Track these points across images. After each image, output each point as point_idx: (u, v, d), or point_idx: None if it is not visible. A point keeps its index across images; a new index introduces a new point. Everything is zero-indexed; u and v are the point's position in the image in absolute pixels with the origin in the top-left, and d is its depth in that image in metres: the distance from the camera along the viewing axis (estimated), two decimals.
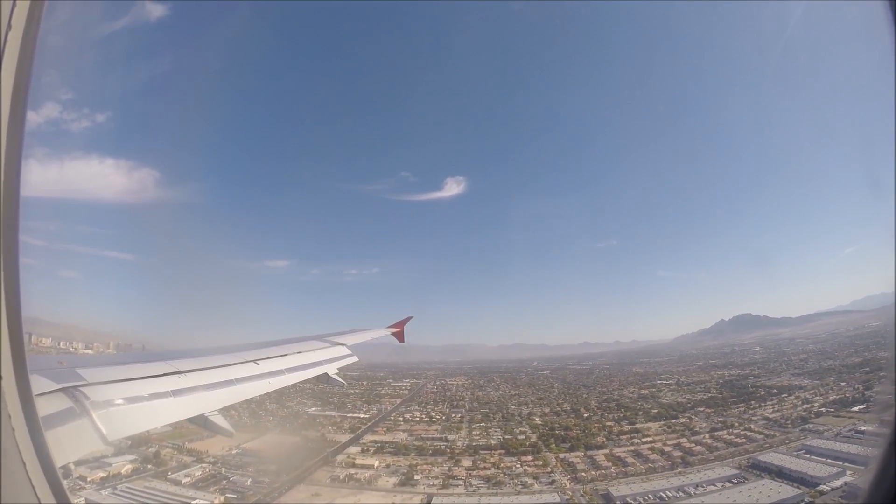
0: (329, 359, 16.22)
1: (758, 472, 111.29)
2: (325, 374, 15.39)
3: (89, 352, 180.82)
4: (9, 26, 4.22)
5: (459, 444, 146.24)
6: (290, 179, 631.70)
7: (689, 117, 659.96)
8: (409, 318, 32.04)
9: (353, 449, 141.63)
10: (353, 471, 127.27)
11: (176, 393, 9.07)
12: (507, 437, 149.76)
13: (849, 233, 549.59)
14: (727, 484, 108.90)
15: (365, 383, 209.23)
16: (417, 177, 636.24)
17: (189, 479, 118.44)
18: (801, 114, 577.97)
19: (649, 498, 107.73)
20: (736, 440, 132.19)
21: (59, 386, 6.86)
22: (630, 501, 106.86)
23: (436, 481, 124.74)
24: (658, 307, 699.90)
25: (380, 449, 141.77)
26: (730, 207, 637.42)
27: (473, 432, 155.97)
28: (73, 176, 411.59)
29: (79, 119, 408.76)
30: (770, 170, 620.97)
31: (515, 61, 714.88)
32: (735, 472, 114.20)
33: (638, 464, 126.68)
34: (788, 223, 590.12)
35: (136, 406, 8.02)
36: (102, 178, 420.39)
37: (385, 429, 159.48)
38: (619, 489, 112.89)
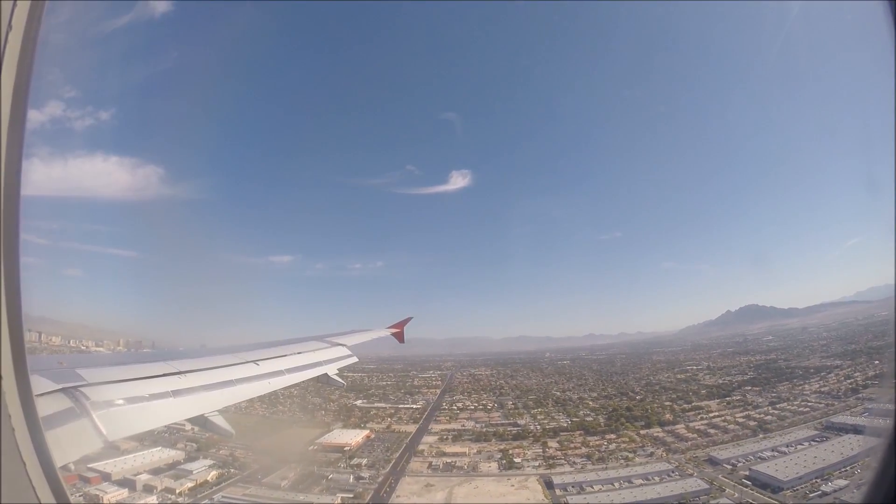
0: (329, 359, 15.73)
1: (835, 432, 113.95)
2: (325, 374, 14.91)
3: (101, 349, 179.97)
4: (9, 26, 4.10)
5: (532, 428, 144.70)
6: (294, 175, 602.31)
7: (693, 112, 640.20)
8: (409, 319, 31.13)
9: (429, 438, 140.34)
10: (447, 459, 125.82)
11: (176, 393, 8.89)
12: (574, 419, 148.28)
13: (852, 224, 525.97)
14: (812, 443, 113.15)
15: (391, 375, 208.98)
16: (423, 170, 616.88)
17: (286, 481, 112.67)
18: (801, 111, 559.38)
19: (750, 459, 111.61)
20: (800, 409, 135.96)
21: (59, 386, 6.76)
22: (735, 462, 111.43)
23: (537, 462, 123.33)
24: (662, 299, 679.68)
25: (457, 437, 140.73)
26: (733, 200, 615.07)
27: (537, 417, 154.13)
28: (77, 174, 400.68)
29: (82, 117, 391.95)
30: (772, 164, 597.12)
31: (521, 55, 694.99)
32: (815, 432, 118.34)
33: (720, 433, 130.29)
34: (791, 215, 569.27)
35: (137, 406, 7.86)
36: (106, 175, 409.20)
37: (447, 417, 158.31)
38: (719, 453, 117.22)
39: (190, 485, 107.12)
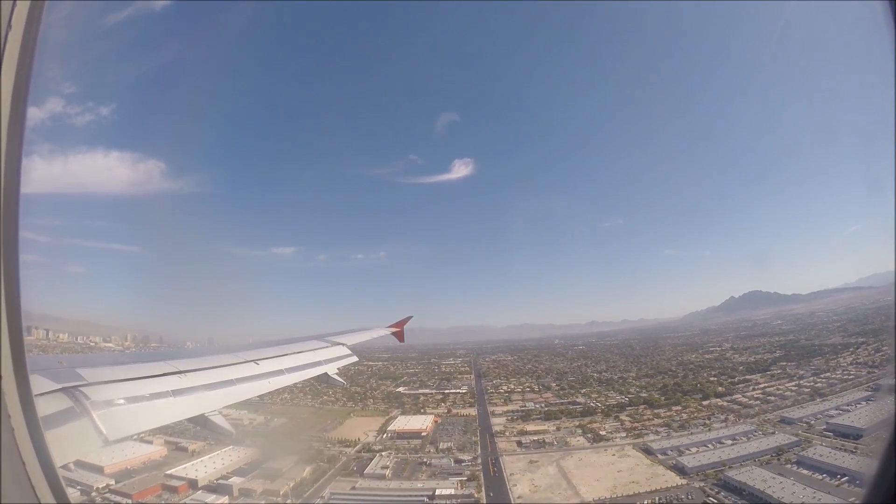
0: (329, 359, 15.12)
1: (888, 392, 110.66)
2: (325, 374, 14.33)
3: (109, 345, 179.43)
4: (9, 26, 3.94)
5: (593, 405, 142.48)
6: (296, 166, 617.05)
7: (695, 104, 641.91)
8: (408, 318, 30.12)
9: (497, 420, 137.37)
10: (534, 437, 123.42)
11: (176, 393, 8.55)
12: (629, 396, 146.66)
13: (852, 212, 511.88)
14: (869, 402, 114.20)
15: (413, 363, 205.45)
16: (426, 159, 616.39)
17: (387, 470, 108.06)
18: (802, 106, 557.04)
19: (819, 417, 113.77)
20: (844, 377, 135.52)
21: (59, 386, 6.52)
22: (808, 421, 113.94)
23: (622, 434, 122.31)
24: (665, 286, 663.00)
25: (526, 416, 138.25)
26: (735, 189, 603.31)
27: (591, 395, 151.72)
28: (78, 170, 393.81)
29: (82, 113, 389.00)
30: (773, 154, 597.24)
31: (525, 45, 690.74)
32: (868, 393, 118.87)
33: (778, 400, 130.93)
34: (793, 204, 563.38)
35: (137, 406, 7.57)
36: (107, 171, 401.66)
37: (501, 400, 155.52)
38: (790, 414, 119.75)
39: (291, 483, 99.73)
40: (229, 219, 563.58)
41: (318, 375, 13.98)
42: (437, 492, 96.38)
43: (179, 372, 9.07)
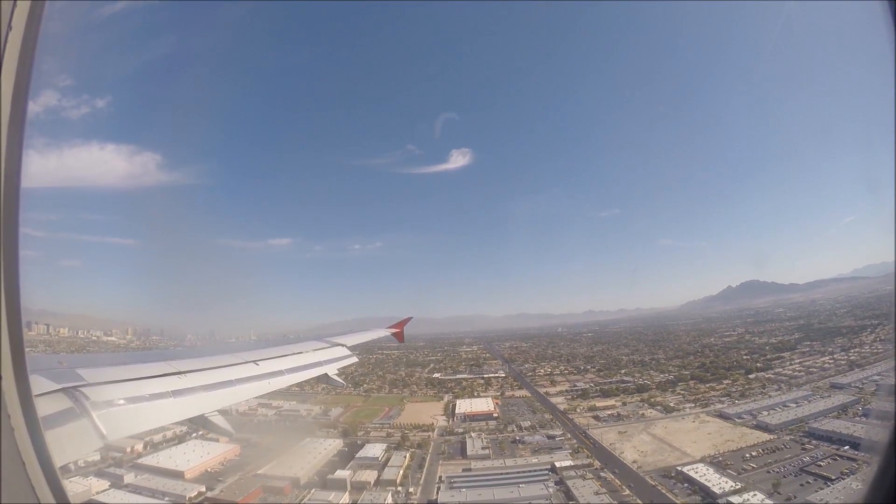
0: (329, 359, 14.56)
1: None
2: (325, 374, 13.80)
3: (111, 339, 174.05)
4: (9, 26, 3.77)
5: (642, 382, 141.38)
6: (293, 156, 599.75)
7: (694, 98, 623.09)
8: (408, 319, 29.05)
9: (556, 399, 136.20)
10: (607, 412, 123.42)
11: (176, 393, 8.17)
12: (672, 374, 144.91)
13: (848, 203, 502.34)
14: None
15: (428, 352, 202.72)
16: (423, 149, 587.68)
17: (488, 450, 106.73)
18: (801, 104, 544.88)
19: (866, 382, 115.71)
20: (874, 352, 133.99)
21: (59, 386, 6.27)
22: (857, 385, 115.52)
23: (690, 404, 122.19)
24: (661, 276, 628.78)
25: (583, 395, 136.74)
26: (731, 179, 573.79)
27: (634, 374, 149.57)
28: (73, 163, 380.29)
29: (77, 106, 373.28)
30: (769, 147, 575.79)
31: (524, 37, 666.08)
32: None
33: (819, 371, 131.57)
34: (789, 195, 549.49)
35: (137, 406, 7.23)
36: (102, 164, 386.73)
37: (547, 382, 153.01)
38: (839, 380, 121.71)
39: (400, 472, 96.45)
40: (226, 210, 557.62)
41: (319, 376, 13.51)
42: (557, 464, 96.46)
43: (179, 372, 8.74)
